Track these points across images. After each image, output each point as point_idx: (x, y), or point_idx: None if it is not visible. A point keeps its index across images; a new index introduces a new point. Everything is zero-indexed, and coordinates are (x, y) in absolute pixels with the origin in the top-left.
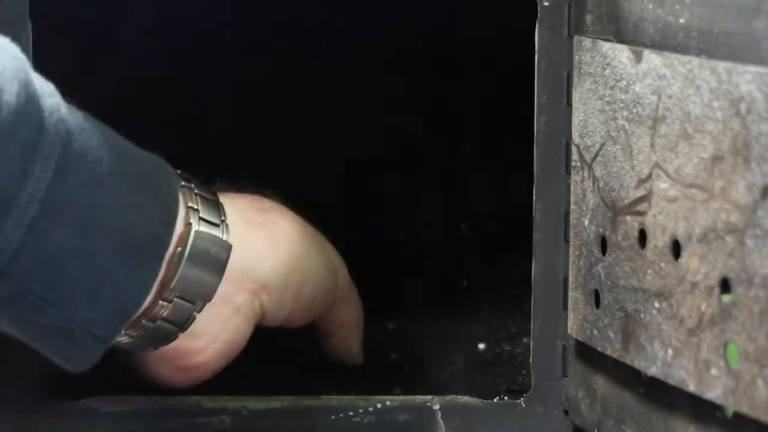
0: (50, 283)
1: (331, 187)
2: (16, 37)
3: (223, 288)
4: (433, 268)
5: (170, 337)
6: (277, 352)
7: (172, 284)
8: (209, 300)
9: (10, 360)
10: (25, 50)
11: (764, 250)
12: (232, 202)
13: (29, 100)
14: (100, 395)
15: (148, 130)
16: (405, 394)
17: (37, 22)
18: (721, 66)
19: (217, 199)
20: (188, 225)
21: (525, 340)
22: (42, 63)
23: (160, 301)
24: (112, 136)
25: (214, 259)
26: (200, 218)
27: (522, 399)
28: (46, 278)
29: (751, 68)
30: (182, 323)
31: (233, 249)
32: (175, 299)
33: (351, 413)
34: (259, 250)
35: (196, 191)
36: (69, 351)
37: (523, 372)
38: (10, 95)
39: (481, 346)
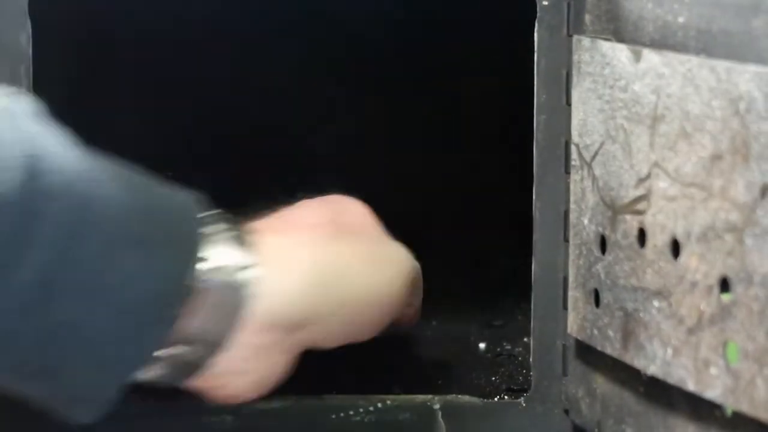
0: (52, 357)
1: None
2: (15, 37)
3: (245, 335)
4: (434, 267)
5: (192, 374)
6: None
7: (190, 330)
8: (221, 346)
9: None
10: (24, 50)
11: (763, 248)
12: (278, 232)
13: (29, 181)
14: None
15: (148, 131)
16: (405, 393)
17: (37, 22)
18: (721, 65)
19: (251, 238)
20: (209, 272)
21: (525, 339)
22: (42, 63)
23: (179, 345)
24: (137, 186)
25: (232, 307)
26: (223, 265)
27: (522, 398)
28: (48, 353)
29: (751, 67)
30: (201, 365)
31: (257, 293)
32: (195, 342)
33: (351, 412)
34: (288, 290)
35: (225, 231)
36: (71, 412)
37: (524, 371)
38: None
39: (482, 345)
